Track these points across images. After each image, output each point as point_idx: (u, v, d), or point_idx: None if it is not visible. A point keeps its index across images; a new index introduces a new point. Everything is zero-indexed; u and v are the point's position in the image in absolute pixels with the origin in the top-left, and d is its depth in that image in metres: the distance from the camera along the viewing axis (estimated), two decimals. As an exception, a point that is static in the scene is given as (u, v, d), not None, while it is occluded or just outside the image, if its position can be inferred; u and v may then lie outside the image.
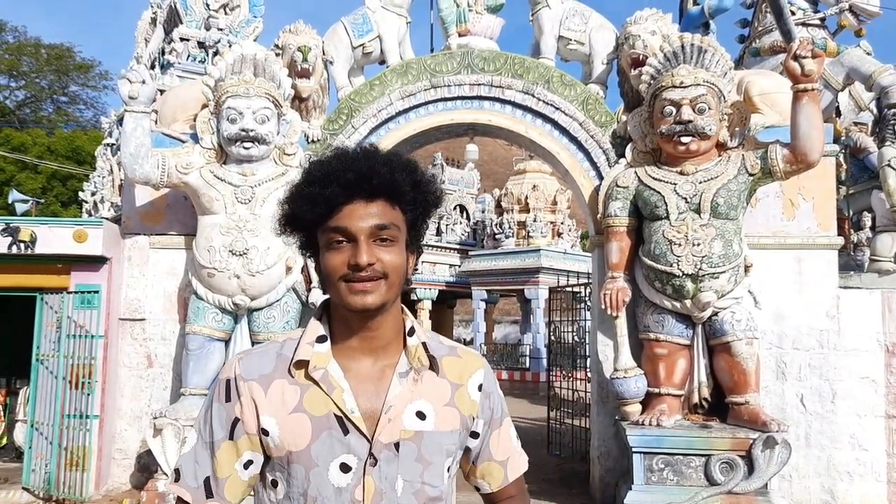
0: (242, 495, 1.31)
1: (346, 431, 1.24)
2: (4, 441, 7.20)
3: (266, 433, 1.26)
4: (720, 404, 5.24)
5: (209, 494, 1.27)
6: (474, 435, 1.41)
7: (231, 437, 1.28)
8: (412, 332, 1.35)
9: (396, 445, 1.26)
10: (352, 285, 1.24)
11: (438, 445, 1.30)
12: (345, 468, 1.23)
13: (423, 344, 1.35)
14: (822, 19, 7.03)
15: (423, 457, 1.28)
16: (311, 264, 1.35)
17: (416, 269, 1.40)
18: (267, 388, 1.27)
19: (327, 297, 1.33)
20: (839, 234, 5.90)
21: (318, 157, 1.35)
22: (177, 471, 1.30)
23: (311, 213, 1.26)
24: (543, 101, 6.11)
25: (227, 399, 1.29)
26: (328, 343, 1.31)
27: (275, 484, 1.28)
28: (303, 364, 1.28)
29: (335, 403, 1.25)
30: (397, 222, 1.28)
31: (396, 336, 1.34)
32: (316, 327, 1.33)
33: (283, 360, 1.30)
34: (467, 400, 1.37)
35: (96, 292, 5.78)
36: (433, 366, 1.35)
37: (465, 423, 1.37)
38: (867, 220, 6.72)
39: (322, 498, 1.23)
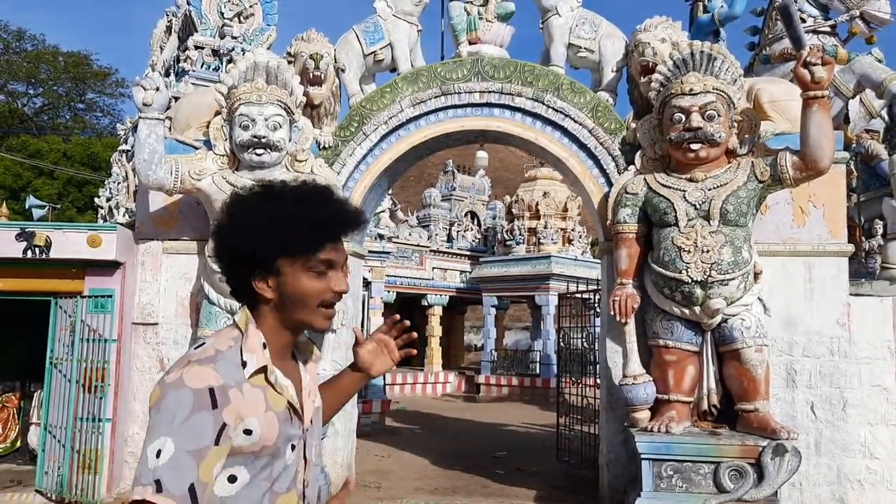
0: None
1: (292, 419, 1.50)
2: (18, 443, 7.27)
3: (249, 433, 1.39)
4: (729, 411, 5.22)
5: (194, 500, 1.28)
6: None
7: (217, 443, 1.33)
8: None
9: (311, 420, 1.57)
10: (327, 311, 1.52)
11: (321, 413, 1.69)
12: (293, 448, 1.49)
13: (309, 338, 1.68)
14: (833, 26, 7.01)
15: (319, 424, 1.65)
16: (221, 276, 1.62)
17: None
18: (243, 393, 1.40)
19: (242, 305, 1.55)
20: (850, 242, 5.88)
21: (291, 190, 1.55)
22: (157, 482, 1.28)
23: (305, 246, 1.47)
24: (553, 109, 6.14)
25: (214, 406, 1.34)
26: (268, 349, 1.49)
27: (232, 479, 1.39)
28: (262, 370, 1.46)
29: (287, 399, 1.49)
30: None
31: None
32: (256, 335, 1.49)
33: (237, 366, 1.43)
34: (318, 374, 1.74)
35: (110, 297, 5.85)
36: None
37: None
38: (879, 227, 6.68)
39: (280, 476, 1.45)
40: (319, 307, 1.50)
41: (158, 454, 1.29)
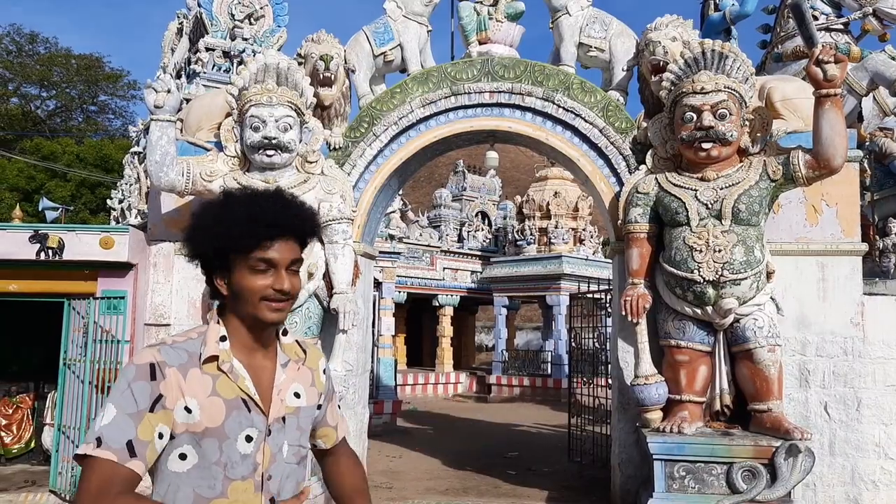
0: (152, 462, 1.53)
1: (249, 410, 1.60)
2: (32, 444, 7.33)
3: (189, 411, 1.53)
4: (742, 412, 5.20)
5: (132, 454, 1.46)
6: (319, 407, 1.81)
7: (151, 410, 1.51)
8: (285, 332, 1.76)
9: (283, 419, 1.65)
10: (270, 304, 1.61)
11: (308, 416, 1.74)
12: (248, 439, 1.58)
13: (297, 341, 1.79)
14: (846, 24, 6.95)
15: (300, 426, 1.71)
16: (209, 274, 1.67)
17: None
18: (185, 375, 1.56)
19: (217, 302, 1.69)
20: (864, 241, 5.83)
21: (244, 193, 1.68)
22: (98, 439, 1.46)
23: (241, 244, 1.59)
24: (563, 108, 6.12)
25: (153, 378, 1.53)
26: (228, 342, 1.63)
27: (183, 457, 1.55)
28: (213, 359, 1.60)
29: (241, 389, 1.60)
30: (300, 255, 1.68)
31: (274, 335, 1.72)
32: (217, 329, 1.64)
33: (192, 355, 1.59)
34: (319, 381, 1.81)
35: (122, 298, 5.88)
36: (306, 357, 1.79)
37: (319, 399, 1.80)
38: (893, 225, 6.62)
39: (232, 463, 1.55)
40: (262, 301, 1.60)
41: (102, 419, 1.49)
